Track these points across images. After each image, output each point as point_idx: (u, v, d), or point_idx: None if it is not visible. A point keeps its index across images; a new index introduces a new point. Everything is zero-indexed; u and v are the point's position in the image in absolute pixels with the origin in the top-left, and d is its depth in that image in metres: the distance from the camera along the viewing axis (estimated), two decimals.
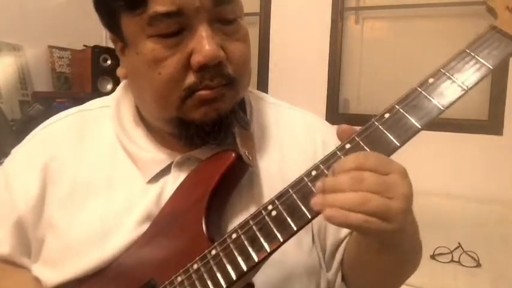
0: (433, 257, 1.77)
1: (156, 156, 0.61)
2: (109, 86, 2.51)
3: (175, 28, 0.52)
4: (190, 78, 0.53)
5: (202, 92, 0.54)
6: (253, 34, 2.68)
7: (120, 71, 0.61)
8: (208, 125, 0.56)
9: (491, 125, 2.19)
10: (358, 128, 0.48)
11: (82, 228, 0.59)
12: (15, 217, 0.62)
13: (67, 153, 0.64)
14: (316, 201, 0.44)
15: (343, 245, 0.63)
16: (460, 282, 1.64)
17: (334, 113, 2.51)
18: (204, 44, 0.51)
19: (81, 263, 0.57)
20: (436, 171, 2.26)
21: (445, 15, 2.32)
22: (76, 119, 0.67)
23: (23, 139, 0.69)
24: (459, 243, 1.78)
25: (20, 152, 0.67)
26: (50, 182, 0.62)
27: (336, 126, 0.71)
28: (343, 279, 0.65)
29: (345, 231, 0.63)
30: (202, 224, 0.54)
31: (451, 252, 1.76)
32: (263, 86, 2.64)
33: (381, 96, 2.34)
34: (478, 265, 1.71)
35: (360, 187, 0.41)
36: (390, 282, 0.63)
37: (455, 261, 1.74)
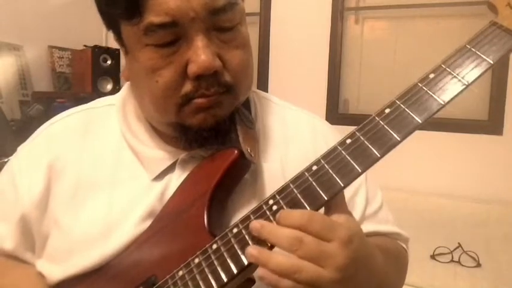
0: (433, 257, 1.77)
1: (160, 154, 0.62)
2: (109, 86, 2.51)
3: (171, 38, 0.52)
4: (187, 87, 0.54)
5: (199, 100, 0.54)
6: (253, 34, 2.69)
7: (123, 73, 0.62)
8: (205, 130, 0.57)
9: (491, 125, 2.20)
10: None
11: (86, 225, 0.59)
12: (19, 214, 0.62)
13: (72, 151, 0.64)
14: (251, 252, 0.45)
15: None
16: (460, 282, 1.64)
17: (334, 113, 2.51)
18: (199, 54, 0.51)
19: (84, 259, 0.58)
20: (436, 171, 2.26)
21: (445, 15, 2.32)
22: (82, 117, 0.68)
23: (23, 139, 0.69)
24: (459, 243, 1.78)
25: (26, 150, 0.67)
26: (54, 179, 0.63)
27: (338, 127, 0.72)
28: None
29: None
30: (204, 218, 0.54)
31: (451, 252, 1.76)
32: (263, 86, 2.64)
33: (381, 96, 2.34)
34: (478, 265, 1.71)
35: (297, 250, 0.42)
36: None
37: (455, 261, 1.74)
